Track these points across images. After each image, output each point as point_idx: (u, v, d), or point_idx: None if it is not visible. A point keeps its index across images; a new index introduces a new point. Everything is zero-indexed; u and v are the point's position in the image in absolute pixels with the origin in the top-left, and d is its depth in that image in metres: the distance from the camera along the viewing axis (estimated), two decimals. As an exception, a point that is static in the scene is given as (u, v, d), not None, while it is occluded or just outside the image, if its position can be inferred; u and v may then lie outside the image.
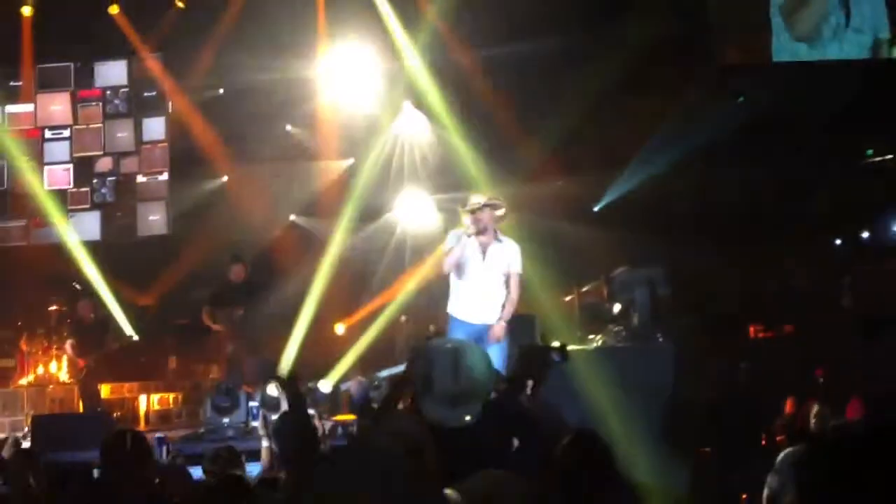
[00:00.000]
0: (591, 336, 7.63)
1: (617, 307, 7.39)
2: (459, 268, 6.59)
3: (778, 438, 6.43)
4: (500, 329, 6.46)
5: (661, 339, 6.73)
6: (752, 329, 10.23)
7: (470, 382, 3.41)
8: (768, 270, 10.67)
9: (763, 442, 6.73)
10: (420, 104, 11.35)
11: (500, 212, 6.57)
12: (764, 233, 10.26)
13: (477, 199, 6.56)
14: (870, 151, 10.97)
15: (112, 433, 3.80)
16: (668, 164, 10.24)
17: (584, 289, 8.63)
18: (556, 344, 4.09)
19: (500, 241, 6.59)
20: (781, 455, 5.28)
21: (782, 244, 10.27)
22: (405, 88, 11.31)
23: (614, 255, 8.91)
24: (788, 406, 7.00)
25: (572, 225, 8.49)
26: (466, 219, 6.49)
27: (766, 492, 5.18)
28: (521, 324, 7.44)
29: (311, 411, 4.81)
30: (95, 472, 3.77)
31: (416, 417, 3.26)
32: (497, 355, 6.05)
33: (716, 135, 10.05)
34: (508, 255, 6.60)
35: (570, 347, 4.35)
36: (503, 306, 6.57)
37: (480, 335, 6.36)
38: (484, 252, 6.57)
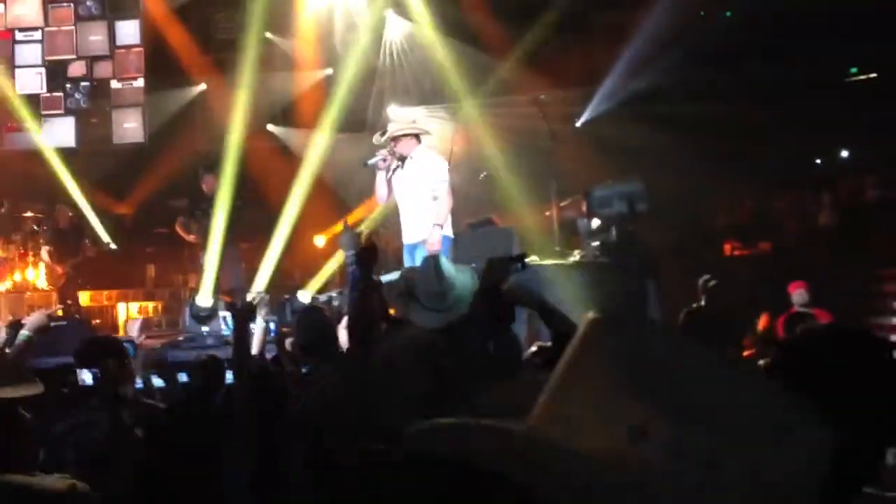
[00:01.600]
0: (568, 251, 7.66)
1: (595, 222, 7.41)
2: (390, 192, 6.75)
3: (746, 353, 6.57)
4: (433, 240, 6.50)
5: (636, 255, 6.78)
6: (728, 246, 10.33)
7: (451, 284, 3.67)
8: (748, 188, 10.71)
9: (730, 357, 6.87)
10: (403, 12, 11.09)
11: (419, 137, 6.70)
12: (744, 150, 10.25)
13: (394, 129, 6.64)
14: (854, 69, 10.91)
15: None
16: (649, 80, 10.15)
17: (564, 203, 8.62)
18: (517, 254, 4.20)
19: (412, 157, 6.65)
20: (751, 368, 5.42)
21: (763, 162, 10.27)
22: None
23: (595, 170, 8.89)
24: (762, 322, 7.13)
25: (554, 138, 8.42)
26: (383, 151, 6.61)
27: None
28: (498, 236, 7.48)
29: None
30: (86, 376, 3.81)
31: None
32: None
33: (700, 50, 9.93)
34: (427, 169, 6.66)
35: (530, 258, 4.46)
36: (435, 217, 6.64)
37: (414, 252, 6.56)
38: (401, 172, 6.67)
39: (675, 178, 8.87)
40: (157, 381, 4.31)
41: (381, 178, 6.68)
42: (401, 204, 6.79)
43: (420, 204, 6.67)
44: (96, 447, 3.60)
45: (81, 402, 3.80)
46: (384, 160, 6.62)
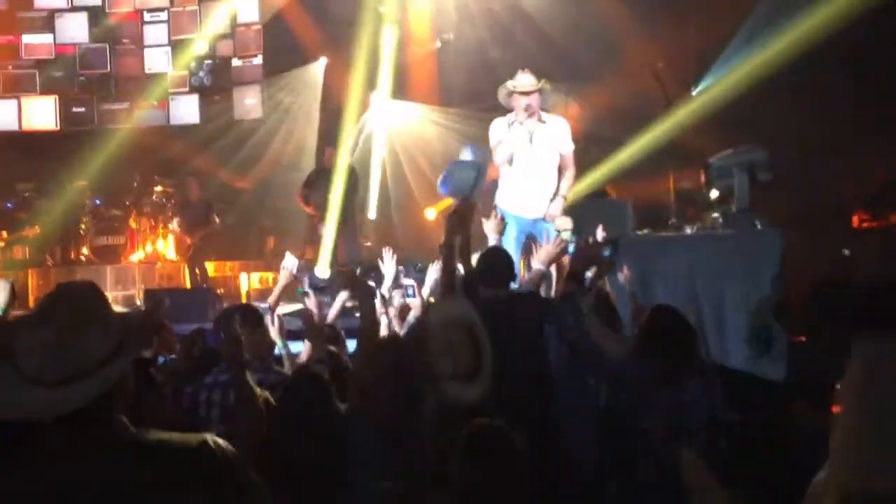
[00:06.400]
0: (686, 223, 7.46)
1: (714, 193, 7.16)
2: (508, 158, 6.19)
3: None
4: (557, 212, 6.09)
5: (760, 226, 6.52)
6: (856, 218, 9.84)
7: (482, 357, 3.05)
8: (878, 157, 10.15)
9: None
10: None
11: (549, 94, 6.22)
12: (874, 119, 9.70)
13: (527, 80, 6.10)
14: None
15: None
16: (772, 46, 9.69)
17: (680, 174, 8.39)
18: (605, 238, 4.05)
19: (543, 122, 6.19)
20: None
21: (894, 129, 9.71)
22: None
23: (712, 139, 8.60)
24: None
25: (669, 107, 8.18)
26: (518, 101, 6.05)
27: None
28: (613, 209, 7.33)
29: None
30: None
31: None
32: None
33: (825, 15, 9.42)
34: (556, 135, 6.18)
35: (618, 239, 4.34)
36: (559, 185, 6.22)
37: (536, 229, 6.08)
38: (531, 137, 6.17)
39: (799, 145, 8.50)
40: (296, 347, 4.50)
41: (508, 137, 6.13)
42: (524, 172, 6.21)
43: (548, 172, 6.20)
44: (223, 408, 3.77)
45: (211, 366, 3.98)
46: (528, 115, 6.05)
